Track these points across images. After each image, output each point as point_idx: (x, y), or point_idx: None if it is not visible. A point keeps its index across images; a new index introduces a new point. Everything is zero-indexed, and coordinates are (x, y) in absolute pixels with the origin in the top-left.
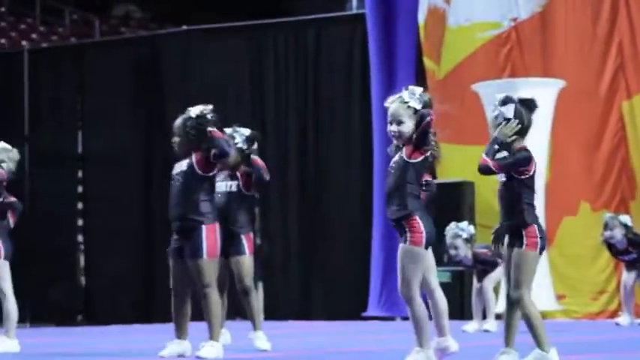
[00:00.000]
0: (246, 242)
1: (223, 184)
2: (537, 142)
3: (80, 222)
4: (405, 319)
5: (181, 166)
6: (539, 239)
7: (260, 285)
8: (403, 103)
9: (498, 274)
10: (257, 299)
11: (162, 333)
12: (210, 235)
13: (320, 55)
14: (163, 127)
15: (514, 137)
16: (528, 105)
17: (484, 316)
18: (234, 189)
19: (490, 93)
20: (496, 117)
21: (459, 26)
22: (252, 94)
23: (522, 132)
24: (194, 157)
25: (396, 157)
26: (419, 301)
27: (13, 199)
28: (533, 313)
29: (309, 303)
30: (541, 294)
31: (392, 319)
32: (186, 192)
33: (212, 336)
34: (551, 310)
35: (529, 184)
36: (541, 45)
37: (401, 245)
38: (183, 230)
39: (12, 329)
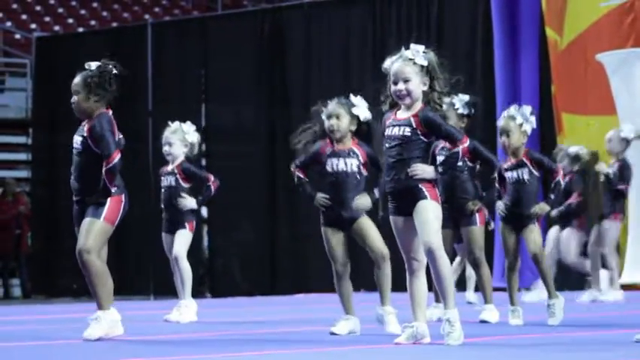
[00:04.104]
0: (478, 213)
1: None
2: None
3: None
4: (528, 289)
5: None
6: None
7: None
8: (408, 60)
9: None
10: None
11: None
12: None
13: (443, 26)
14: (286, 99)
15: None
16: None
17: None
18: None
19: (615, 63)
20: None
21: None
22: (374, 66)
23: None
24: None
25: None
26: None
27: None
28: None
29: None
30: None
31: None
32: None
33: (100, 305)
34: None
35: None
36: None
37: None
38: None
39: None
